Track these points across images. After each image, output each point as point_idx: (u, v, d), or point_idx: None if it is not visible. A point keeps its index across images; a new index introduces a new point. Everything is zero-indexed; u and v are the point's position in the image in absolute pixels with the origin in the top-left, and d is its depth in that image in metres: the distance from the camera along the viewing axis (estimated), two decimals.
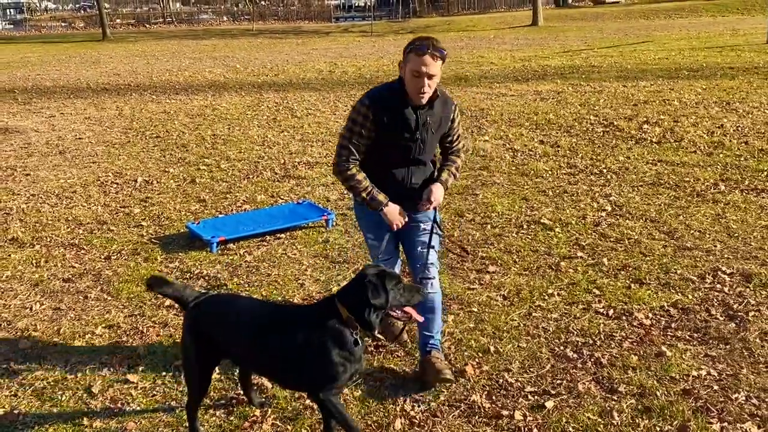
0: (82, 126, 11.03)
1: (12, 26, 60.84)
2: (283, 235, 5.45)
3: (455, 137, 3.48)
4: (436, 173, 3.46)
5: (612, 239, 5.09)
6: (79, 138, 10.01)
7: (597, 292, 4.23)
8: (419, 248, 3.39)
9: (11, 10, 71.38)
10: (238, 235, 5.33)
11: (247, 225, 5.50)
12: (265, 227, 5.45)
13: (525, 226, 5.45)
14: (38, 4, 79.73)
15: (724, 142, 7.80)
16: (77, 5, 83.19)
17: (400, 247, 3.56)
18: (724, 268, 4.47)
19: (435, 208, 3.41)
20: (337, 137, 3.42)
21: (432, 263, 3.36)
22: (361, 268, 2.87)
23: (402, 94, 3.20)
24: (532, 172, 7.06)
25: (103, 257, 5.20)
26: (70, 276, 4.85)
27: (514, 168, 7.26)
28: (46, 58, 27.46)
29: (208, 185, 7.14)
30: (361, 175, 3.25)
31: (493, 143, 8.46)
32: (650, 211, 5.67)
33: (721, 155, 7.31)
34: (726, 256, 4.70)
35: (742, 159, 7.12)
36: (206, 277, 4.71)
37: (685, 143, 7.88)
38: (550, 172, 7.03)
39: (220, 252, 5.17)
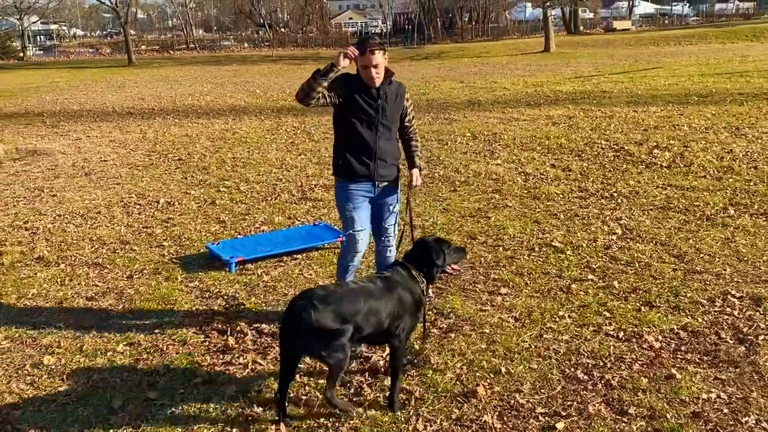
0: (107, 148, 11.19)
1: (42, 52, 62.08)
2: (299, 256, 5.48)
3: (411, 117, 4.14)
4: (408, 160, 4.17)
5: (622, 262, 5.07)
6: (104, 160, 10.16)
7: (607, 315, 4.20)
8: (385, 224, 4.09)
9: (41, 36, 72.87)
10: (256, 255, 5.37)
11: (264, 246, 5.54)
12: (282, 248, 5.48)
13: (536, 249, 5.44)
14: (67, 31, 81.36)
15: (733, 167, 7.75)
16: (104, 32, 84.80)
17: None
18: (733, 292, 4.43)
19: (399, 190, 4.11)
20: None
21: (393, 234, 4.13)
22: (418, 238, 3.65)
23: (360, 78, 3.85)
24: (544, 195, 7.06)
25: (125, 276, 5.25)
26: (93, 294, 4.90)
27: (526, 191, 7.26)
28: (74, 82, 27.92)
29: (227, 207, 7.21)
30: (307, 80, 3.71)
31: (505, 167, 8.47)
32: (660, 234, 5.64)
33: (730, 180, 7.27)
34: (736, 279, 4.65)
35: (752, 184, 7.07)
36: (225, 297, 4.75)
37: (695, 168, 7.85)
38: (561, 196, 7.02)
39: (238, 272, 5.21)
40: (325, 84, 3.70)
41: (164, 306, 4.61)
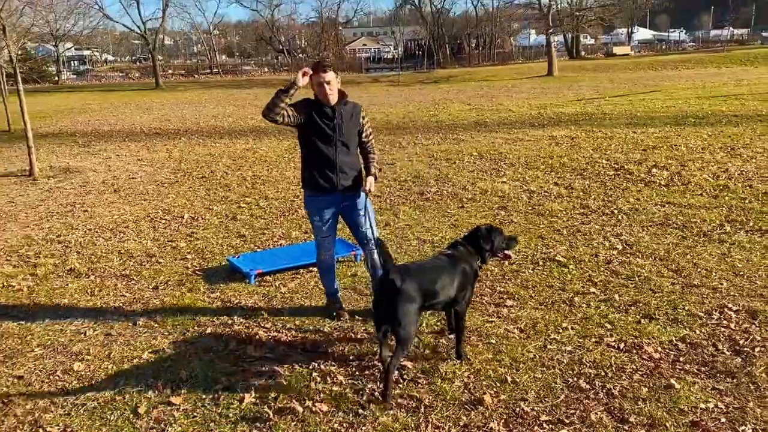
0: (135, 167, 11.30)
1: (75, 76, 62.96)
2: (315, 269, 5.47)
3: (369, 133, 4.38)
4: (366, 170, 4.33)
5: (623, 276, 5.03)
6: (133, 177, 10.26)
7: (609, 326, 4.17)
8: (362, 228, 4.32)
9: (75, 61, 73.95)
10: (275, 268, 5.38)
11: (282, 259, 5.56)
12: (299, 261, 5.49)
13: (541, 263, 5.41)
14: (99, 57, 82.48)
15: (729, 186, 7.70)
16: (133, 57, 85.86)
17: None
18: (730, 305, 4.38)
19: (366, 194, 4.24)
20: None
21: (372, 237, 4.23)
22: (475, 227, 3.95)
23: (318, 101, 4.12)
24: (548, 212, 7.04)
25: (151, 287, 5.28)
26: (121, 304, 4.93)
27: (530, 208, 7.24)
28: (105, 105, 28.26)
29: (247, 222, 7.25)
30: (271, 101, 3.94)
31: (510, 185, 8.46)
32: (659, 250, 5.60)
33: (726, 198, 7.22)
34: (732, 293, 4.61)
35: (747, 201, 7.01)
36: (244, 307, 4.76)
37: (692, 186, 7.80)
38: (564, 212, 6.99)
39: (257, 284, 5.22)
40: (287, 101, 3.97)
41: (188, 316, 4.63)
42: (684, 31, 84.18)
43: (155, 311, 4.75)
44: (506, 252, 4.01)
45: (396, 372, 3.48)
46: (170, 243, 6.53)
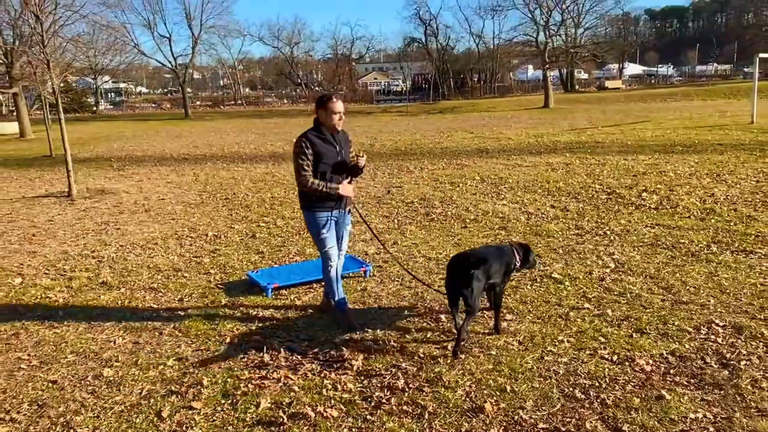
0: (164, 189, 11.38)
1: (112, 106, 63.88)
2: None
3: (352, 155, 4.51)
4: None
5: (615, 293, 4.97)
6: (162, 199, 10.32)
7: (602, 340, 4.11)
8: (342, 240, 4.59)
9: (112, 93, 75.07)
10: (290, 282, 5.37)
11: (297, 274, 5.54)
12: (312, 276, 5.48)
13: (538, 280, 5.36)
14: (134, 89, 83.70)
15: (715, 209, 7.63)
16: (165, 90, 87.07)
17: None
18: (717, 321, 4.31)
19: (349, 214, 4.61)
20: (294, 169, 4.27)
21: (346, 247, 4.68)
22: (526, 244, 4.53)
23: (321, 131, 4.30)
24: (545, 232, 7.00)
25: (176, 299, 5.28)
26: (148, 315, 4.92)
27: (528, 228, 7.21)
28: (138, 132, 28.59)
29: (266, 240, 7.25)
30: (316, 180, 4.24)
31: (510, 207, 8.43)
32: (650, 268, 5.54)
33: (712, 220, 7.15)
34: (719, 310, 4.53)
35: (732, 224, 6.94)
36: (262, 318, 4.74)
37: (680, 209, 7.74)
38: (560, 233, 6.95)
39: (274, 297, 5.21)
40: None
41: (209, 326, 4.62)
42: (672, 66, 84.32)
43: (180, 321, 4.74)
44: (529, 267, 4.58)
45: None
46: (195, 259, 6.54)
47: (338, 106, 4.27)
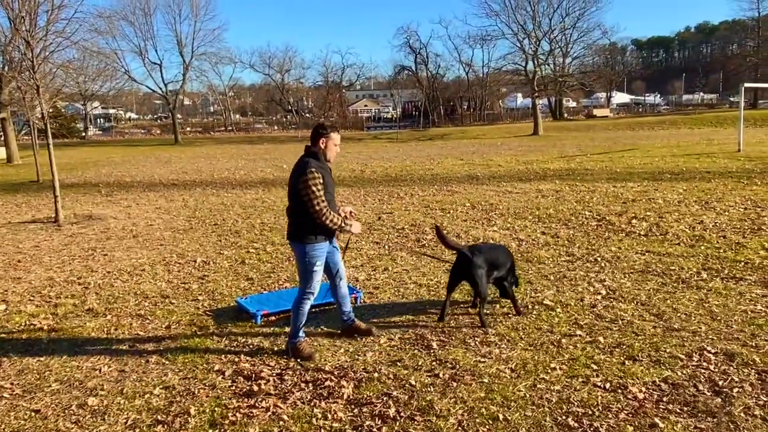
0: (153, 215, 11.34)
1: (101, 132, 63.86)
2: (317, 310, 5.43)
3: None
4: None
5: (607, 320, 4.98)
6: (150, 224, 10.27)
7: (595, 367, 4.10)
8: (338, 265, 4.60)
9: (101, 119, 75.13)
10: (279, 309, 5.33)
11: (287, 300, 5.49)
12: None
13: (530, 307, 5.37)
14: (123, 115, 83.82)
15: (704, 236, 7.71)
16: (155, 116, 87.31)
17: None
18: (709, 348, 4.32)
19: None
20: (308, 199, 4.18)
21: (343, 270, 4.69)
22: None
23: (322, 161, 4.32)
24: (536, 258, 7.03)
25: (164, 326, 5.22)
26: (134, 342, 4.86)
27: (519, 255, 7.23)
28: (127, 158, 28.56)
29: (255, 266, 7.22)
30: (334, 214, 4.26)
31: (501, 233, 8.47)
32: (641, 295, 5.56)
33: (702, 247, 7.21)
34: (710, 336, 4.55)
35: (722, 251, 7.00)
36: (250, 346, 4.69)
37: (670, 236, 7.81)
38: (551, 259, 6.98)
39: (263, 324, 5.17)
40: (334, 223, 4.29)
41: (197, 353, 4.57)
42: (658, 95, 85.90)
43: (167, 349, 4.68)
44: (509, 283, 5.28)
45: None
46: (183, 285, 6.49)
47: (338, 138, 4.42)
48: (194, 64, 49.93)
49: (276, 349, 4.62)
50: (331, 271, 4.63)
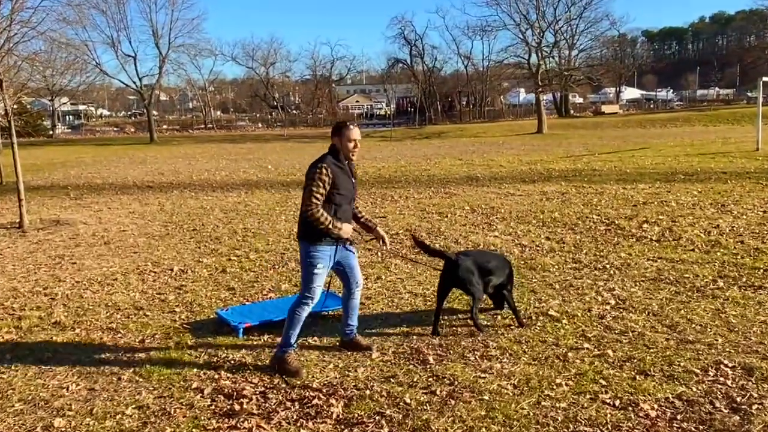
0: (126, 219, 11.29)
1: (70, 130, 63.62)
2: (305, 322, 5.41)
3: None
4: (369, 224, 4.78)
5: (616, 331, 5.00)
6: (123, 230, 10.23)
7: (603, 383, 4.11)
8: (355, 270, 4.68)
9: (70, 116, 74.82)
10: (264, 321, 5.31)
11: (271, 312, 5.49)
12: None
13: (533, 318, 5.38)
14: (94, 111, 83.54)
15: (720, 241, 7.75)
16: (129, 112, 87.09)
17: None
18: (726, 362, 4.34)
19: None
20: (305, 194, 4.30)
21: (361, 279, 4.79)
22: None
23: (338, 156, 4.41)
24: (540, 266, 7.04)
25: (137, 341, 5.19)
26: (105, 358, 4.83)
27: (522, 262, 7.25)
28: (98, 158, 28.46)
29: (237, 275, 7.20)
30: (324, 213, 4.30)
31: (502, 239, 8.49)
32: (652, 305, 5.59)
33: (718, 253, 7.25)
34: (727, 349, 4.57)
35: (739, 257, 7.05)
36: (232, 361, 4.67)
37: (684, 242, 7.85)
38: (556, 267, 7.00)
39: (245, 338, 5.15)
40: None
41: (173, 370, 4.54)
42: (671, 90, 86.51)
43: (140, 365, 4.65)
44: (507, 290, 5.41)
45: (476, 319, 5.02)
46: (158, 296, 6.47)
47: (354, 133, 4.42)
48: (171, 56, 49.96)
49: (260, 364, 4.60)
50: (347, 277, 4.69)
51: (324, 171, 4.27)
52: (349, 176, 4.46)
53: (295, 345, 4.55)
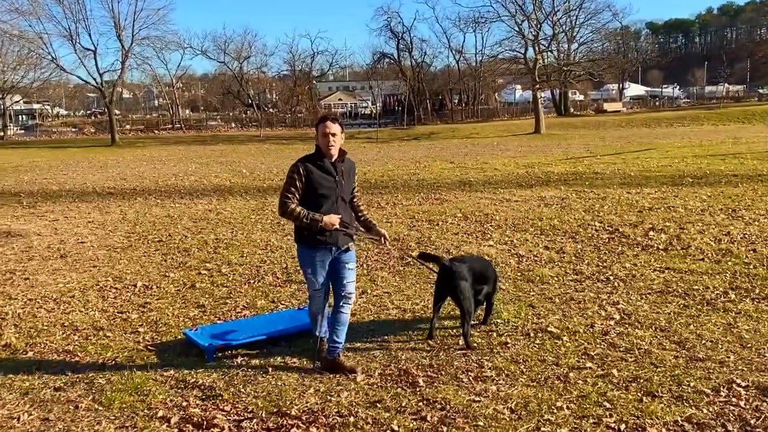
0: (85, 230, 11.19)
1: (23, 131, 62.97)
2: (283, 342, 5.39)
3: (356, 188, 4.98)
4: (368, 224, 4.96)
5: (622, 349, 5.02)
6: (81, 242, 10.14)
7: (608, 406, 4.12)
8: (345, 281, 4.77)
9: (23, 116, 74.11)
10: (237, 342, 5.27)
11: (245, 331, 5.45)
12: (264, 334, 5.39)
13: (532, 335, 5.39)
14: (50, 111, 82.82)
15: (732, 250, 7.83)
16: (88, 112, 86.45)
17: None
18: (738, 381, 4.37)
19: (354, 249, 4.88)
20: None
21: (352, 291, 4.84)
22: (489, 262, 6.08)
23: (320, 155, 4.63)
24: (538, 278, 7.07)
25: (96, 365, 5.13)
26: (61, 384, 4.76)
27: (519, 274, 7.27)
28: (55, 162, 28.22)
29: (208, 290, 7.15)
30: (298, 207, 4.54)
31: (497, 248, 8.51)
32: (660, 319, 5.62)
33: (729, 263, 7.32)
34: (740, 367, 4.61)
35: (752, 267, 7.12)
36: (201, 387, 4.63)
37: (693, 250, 7.92)
38: (556, 279, 7.03)
39: (216, 360, 5.10)
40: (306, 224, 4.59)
41: (137, 397, 4.49)
42: (677, 86, 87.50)
43: (100, 392, 4.59)
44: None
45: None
46: (120, 315, 6.40)
47: (327, 125, 4.59)
48: (135, 50, 49.65)
49: (233, 390, 4.56)
50: (334, 288, 4.84)
51: (295, 170, 4.57)
52: (331, 174, 4.62)
53: (326, 336, 4.90)
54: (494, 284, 5.63)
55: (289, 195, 4.55)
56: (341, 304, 4.79)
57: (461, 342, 5.18)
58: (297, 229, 4.72)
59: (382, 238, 4.90)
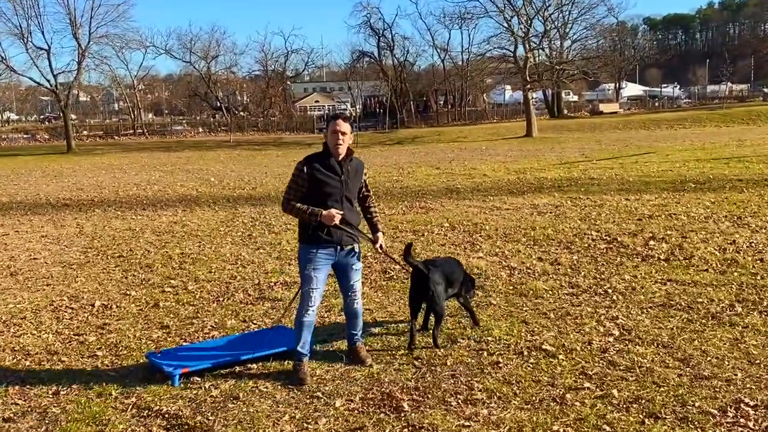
0: (37, 245, 11.07)
1: None
2: (255, 365, 5.35)
3: (367, 187, 5.37)
4: (371, 227, 5.44)
5: (622, 367, 5.04)
6: (34, 258, 10.02)
7: (608, 429, 4.13)
8: (351, 281, 5.27)
9: None
10: (204, 365, 5.23)
11: (214, 354, 5.41)
12: (234, 356, 5.36)
13: (525, 353, 5.39)
14: None
15: (737, 260, 7.91)
16: (41, 116, 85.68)
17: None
18: (747, 400, 4.40)
19: (360, 250, 5.31)
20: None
21: (358, 289, 5.34)
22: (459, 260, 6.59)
23: (327, 153, 5.01)
24: (531, 292, 7.09)
25: (50, 393, 5.05)
26: (11, 415, 4.69)
27: (511, 287, 7.29)
28: (4, 171, 27.92)
29: (172, 309, 7.09)
30: (298, 203, 4.95)
31: (488, 260, 8.53)
32: (662, 335, 5.66)
33: (735, 274, 7.40)
34: (748, 385, 4.64)
35: (759, 278, 7.19)
36: (165, 415, 4.57)
37: (696, 261, 7.99)
38: (550, 292, 7.05)
39: (182, 385, 5.05)
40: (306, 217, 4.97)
41: (95, 427, 4.43)
42: (678, 86, 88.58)
43: (54, 423, 4.52)
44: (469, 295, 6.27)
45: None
46: (77, 337, 6.33)
47: (339, 124, 4.93)
48: (92, 48, 49.32)
49: (200, 419, 4.51)
50: (340, 282, 5.36)
51: (299, 170, 4.95)
52: (336, 173, 4.98)
53: (307, 355, 5.11)
54: (462, 285, 5.98)
55: (291, 194, 4.98)
56: (350, 298, 5.30)
57: (431, 340, 5.62)
58: (301, 228, 5.10)
59: (378, 245, 5.33)
